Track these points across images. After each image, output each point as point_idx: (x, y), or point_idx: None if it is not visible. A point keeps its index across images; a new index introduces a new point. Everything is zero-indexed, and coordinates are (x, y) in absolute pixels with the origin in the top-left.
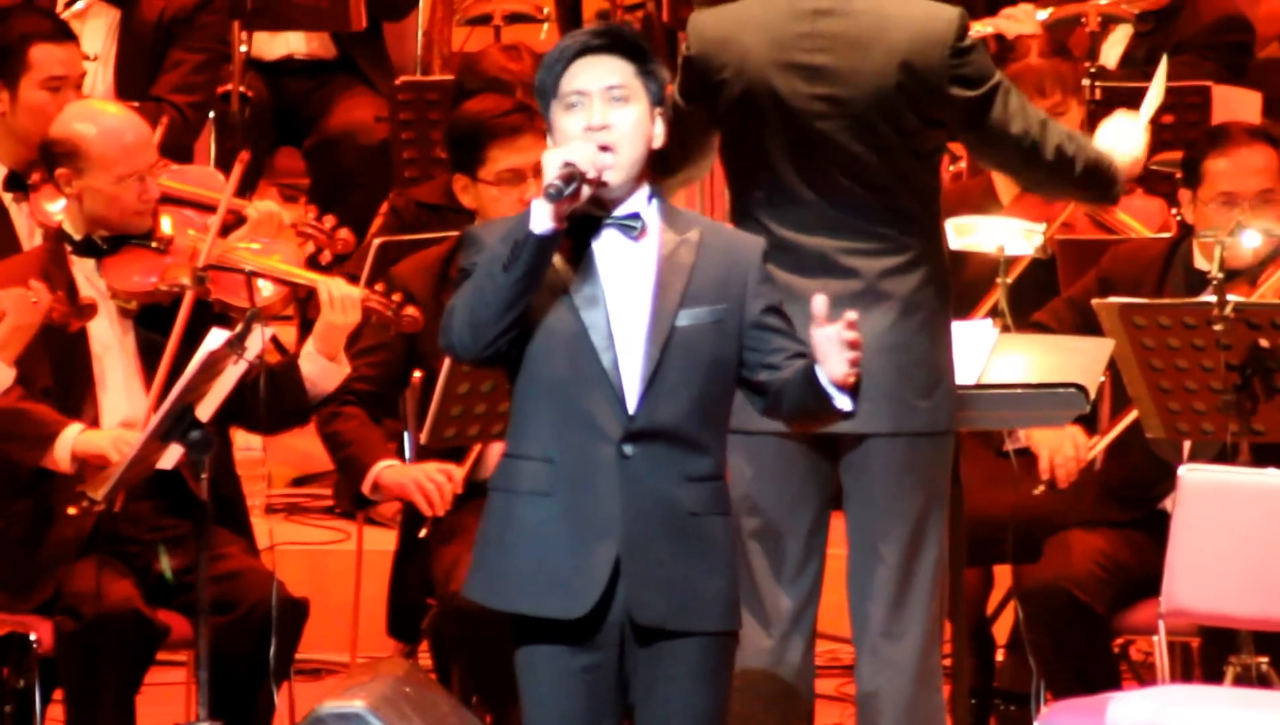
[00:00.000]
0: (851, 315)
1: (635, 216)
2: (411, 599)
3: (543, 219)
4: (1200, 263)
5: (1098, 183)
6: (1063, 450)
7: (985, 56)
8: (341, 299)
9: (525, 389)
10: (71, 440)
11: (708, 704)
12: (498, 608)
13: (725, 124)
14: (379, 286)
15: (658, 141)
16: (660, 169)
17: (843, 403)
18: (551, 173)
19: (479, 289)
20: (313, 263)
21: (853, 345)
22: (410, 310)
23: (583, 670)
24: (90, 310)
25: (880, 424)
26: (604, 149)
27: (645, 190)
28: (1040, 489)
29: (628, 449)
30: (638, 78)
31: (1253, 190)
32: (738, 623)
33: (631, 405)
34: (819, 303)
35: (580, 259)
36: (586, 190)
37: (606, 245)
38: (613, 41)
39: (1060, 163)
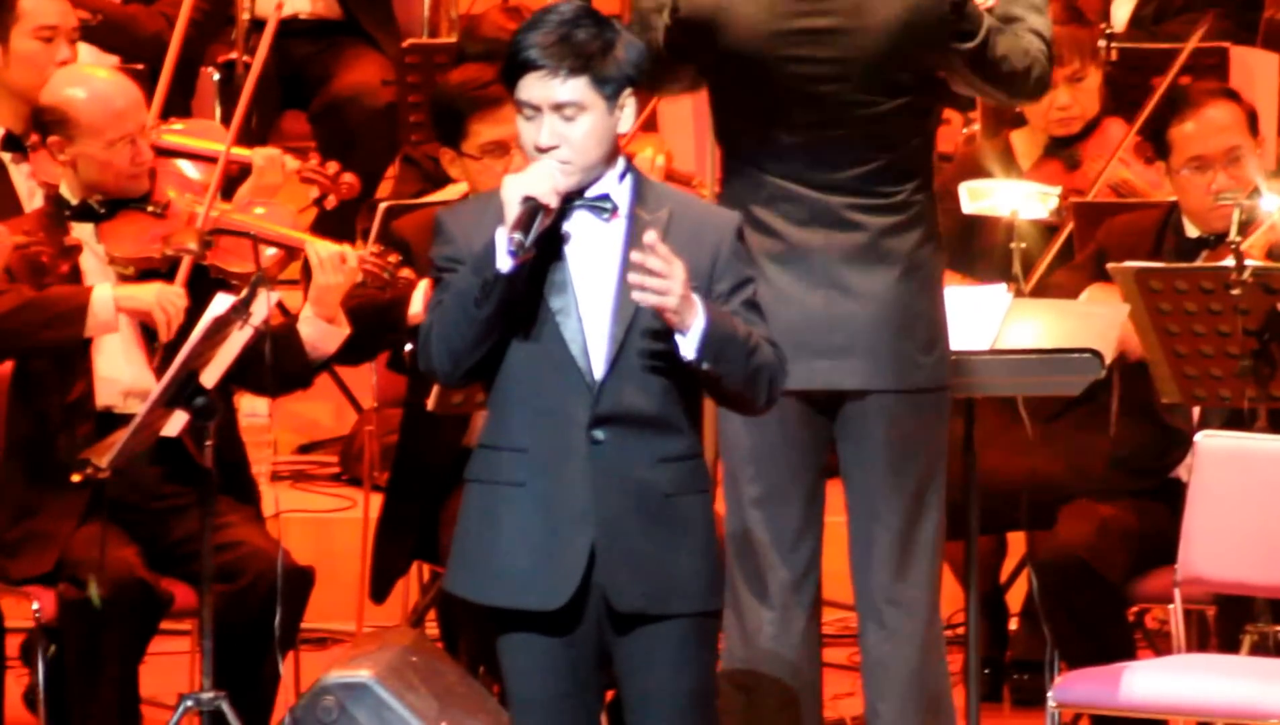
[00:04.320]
0: (650, 237)
1: (606, 197)
2: (392, 561)
3: (509, 260)
4: (1190, 231)
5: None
6: None
7: (976, 5)
8: (330, 259)
9: (498, 379)
10: (110, 296)
11: (692, 683)
12: (477, 601)
13: (720, 88)
14: (375, 247)
15: (625, 125)
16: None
17: (683, 347)
18: (513, 208)
19: (455, 322)
20: (319, 207)
21: (646, 270)
22: (406, 272)
23: (563, 647)
24: (76, 250)
25: (884, 380)
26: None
27: (618, 168)
28: None
29: (598, 434)
30: (591, 87)
31: (1221, 149)
32: (719, 602)
33: (598, 389)
34: (649, 236)
35: (549, 243)
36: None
37: (576, 227)
38: (560, 60)
39: (1042, 76)
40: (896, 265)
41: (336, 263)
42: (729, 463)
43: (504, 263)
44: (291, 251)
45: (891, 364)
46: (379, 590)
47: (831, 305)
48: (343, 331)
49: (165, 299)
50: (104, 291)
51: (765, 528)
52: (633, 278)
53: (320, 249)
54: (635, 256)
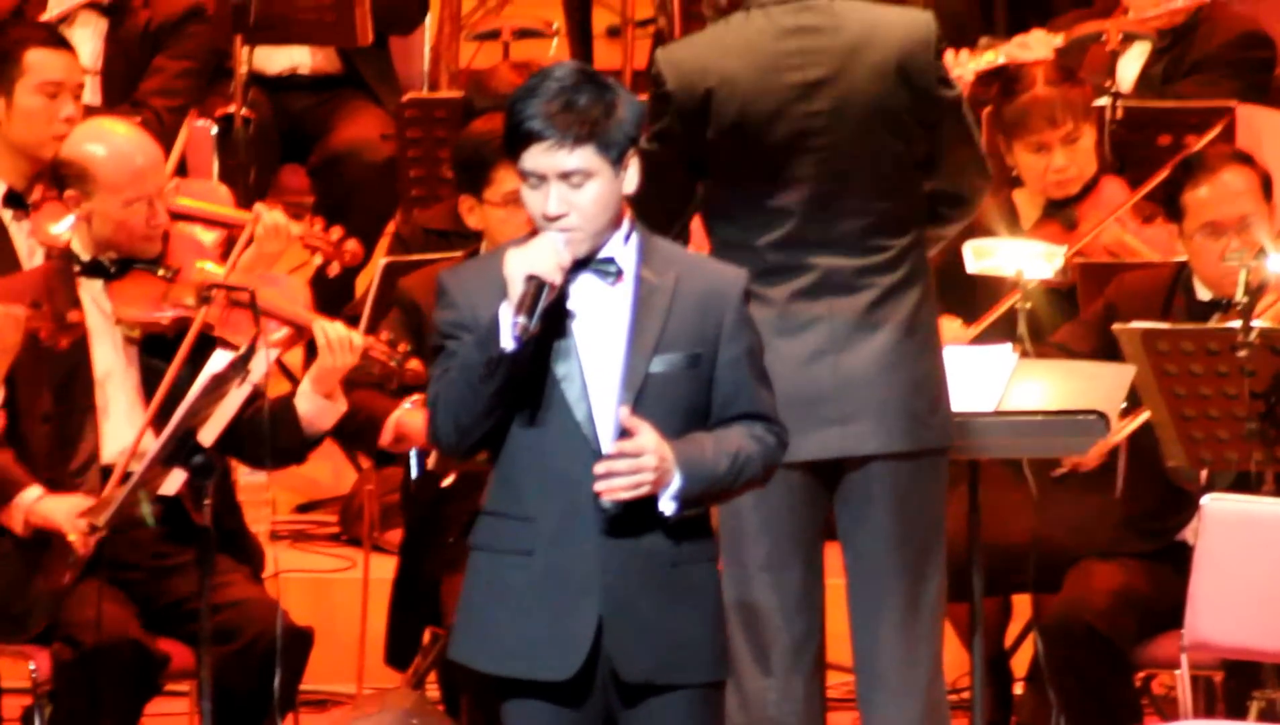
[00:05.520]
0: (623, 413)
1: (611, 261)
2: (410, 627)
3: (514, 342)
4: (1201, 293)
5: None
6: None
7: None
8: (338, 342)
9: (504, 446)
10: (27, 507)
11: None
12: (483, 670)
13: (714, 152)
14: (383, 335)
15: (630, 187)
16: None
17: (661, 503)
18: (516, 286)
19: (461, 396)
20: (321, 274)
21: (613, 473)
22: (414, 363)
23: (569, 715)
24: (78, 328)
25: (896, 443)
26: (564, 228)
27: (623, 230)
28: (1062, 470)
29: (605, 503)
30: (597, 153)
31: (1235, 215)
32: (726, 671)
33: None
34: (622, 413)
35: (553, 309)
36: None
37: (581, 291)
38: (566, 129)
39: (987, 180)
40: (898, 326)
41: (345, 346)
42: (732, 529)
43: (508, 343)
44: (300, 330)
45: (902, 426)
46: (400, 658)
47: (837, 372)
48: (340, 407)
49: (75, 523)
50: (31, 495)
51: (767, 592)
52: (599, 487)
53: (330, 331)
54: (599, 467)
